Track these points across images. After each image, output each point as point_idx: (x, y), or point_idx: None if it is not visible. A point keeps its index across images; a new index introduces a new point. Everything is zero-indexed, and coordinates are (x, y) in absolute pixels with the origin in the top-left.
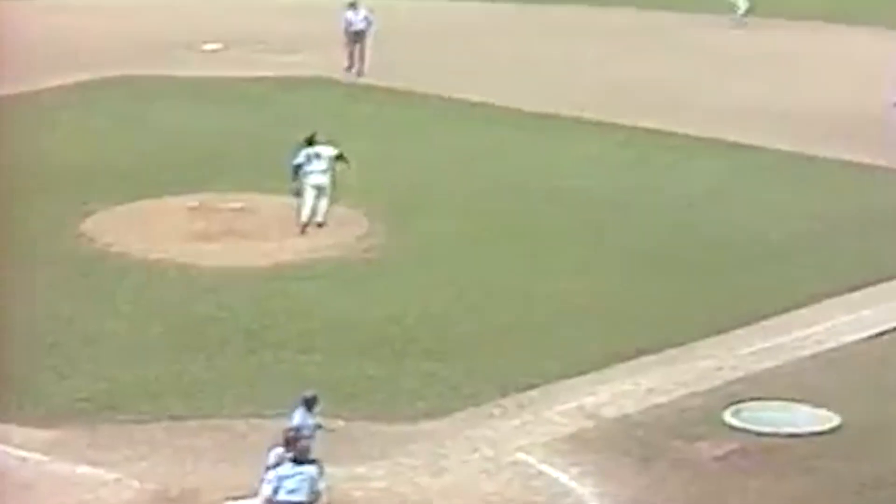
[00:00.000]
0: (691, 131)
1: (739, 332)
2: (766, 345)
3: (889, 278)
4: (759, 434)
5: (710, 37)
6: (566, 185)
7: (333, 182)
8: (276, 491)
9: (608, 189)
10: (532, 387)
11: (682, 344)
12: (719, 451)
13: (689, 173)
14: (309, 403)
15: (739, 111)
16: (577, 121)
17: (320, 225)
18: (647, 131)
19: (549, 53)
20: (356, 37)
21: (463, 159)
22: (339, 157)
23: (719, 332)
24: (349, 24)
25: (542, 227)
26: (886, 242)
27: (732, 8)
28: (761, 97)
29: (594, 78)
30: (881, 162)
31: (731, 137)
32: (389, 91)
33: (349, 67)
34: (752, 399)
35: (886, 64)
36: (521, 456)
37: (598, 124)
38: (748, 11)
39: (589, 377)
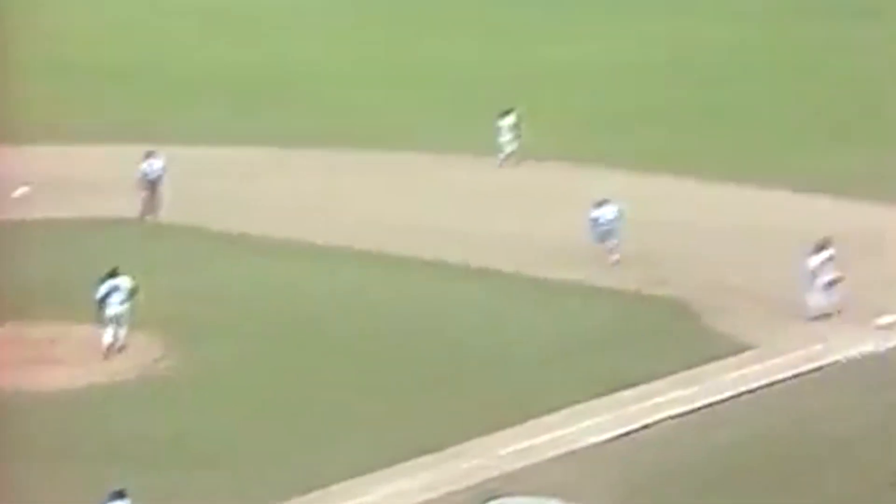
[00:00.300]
0: (455, 261)
1: (500, 434)
2: (523, 446)
3: (626, 387)
4: None
5: (477, 175)
6: (345, 309)
7: (132, 311)
8: None
9: (385, 312)
10: (315, 489)
11: (452, 445)
12: None
13: (455, 299)
14: (118, 495)
15: (499, 242)
16: (350, 251)
17: (121, 349)
18: (405, 259)
19: (323, 189)
20: (152, 184)
21: (250, 289)
22: (136, 290)
23: (483, 434)
24: (145, 173)
25: (322, 348)
26: (623, 355)
27: (499, 149)
28: (518, 229)
29: (365, 214)
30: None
31: (490, 266)
32: (184, 228)
33: (144, 214)
34: (509, 495)
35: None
36: None
37: (366, 254)
38: (512, 153)
39: (367, 478)
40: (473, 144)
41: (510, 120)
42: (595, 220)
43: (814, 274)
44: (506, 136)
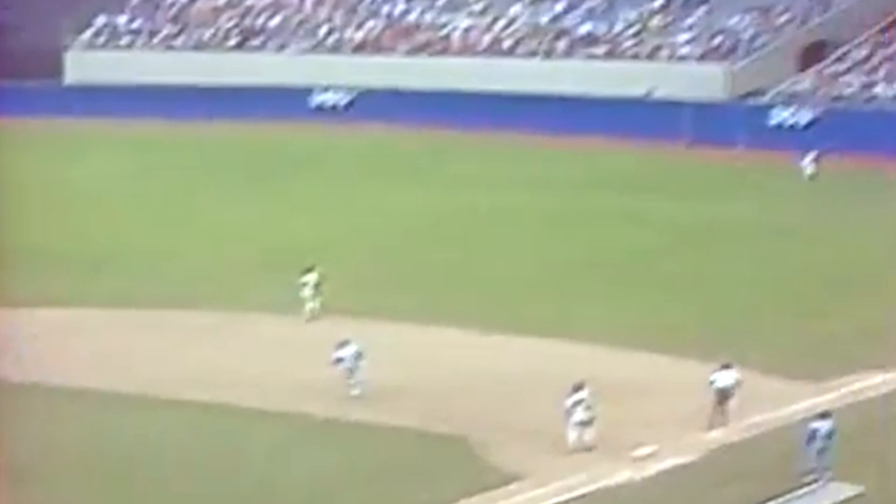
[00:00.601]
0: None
1: None
2: None
3: None
4: None
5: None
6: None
7: None
8: None
9: (181, 455)
10: None
11: None
12: None
13: (246, 439)
14: None
15: (291, 386)
16: (153, 399)
17: None
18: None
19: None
20: None
21: (61, 436)
22: None
23: None
24: None
25: (124, 492)
26: (400, 489)
27: (303, 305)
28: (308, 375)
29: (182, 367)
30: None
31: (283, 409)
32: None
33: None
34: None
35: None
36: None
37: (167, 402)
38: (314, 309)
39: None
40: (278, 302)
41: (312, 278)
42: (339, 359)
43: (572, 412)
44: (308, 293)
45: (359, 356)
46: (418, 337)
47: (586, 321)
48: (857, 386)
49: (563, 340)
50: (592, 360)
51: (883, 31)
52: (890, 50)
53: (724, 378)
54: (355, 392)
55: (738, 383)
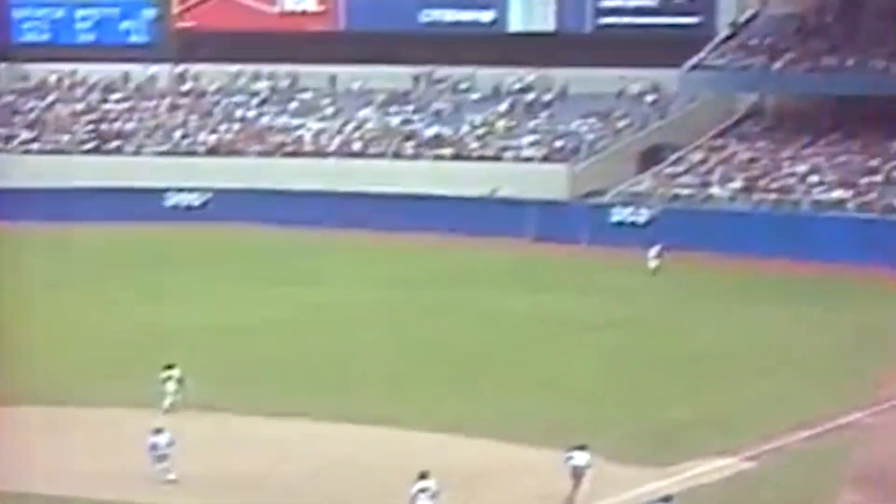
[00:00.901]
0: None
1: None
2: None
3: None
4: None
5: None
6: None
7: None
8: None
9: None
10: None
11: None
12: None
13: None
14: None
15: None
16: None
17: None
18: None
19: None
20: None
21: None
22: None
23: None
24: None
25: None
26: None
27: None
28: None
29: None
30: None
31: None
32: None
33: None
34: None
35: None
36: None
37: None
38: (174, 403)
39: None
40: (138, 397)
41: (172, 373)
42: (153, 445)
43: (415, 500)
44: (169, 388)
45: (171, 443)
46: (272, 428)
47: (435, 412)
48: (698, 471)
49: (413, 430)
50: (442, 449)
51: (716, 136)
52: (723, 154)
53: (580, 458)
54: (171, 476)
55: (589, 465)
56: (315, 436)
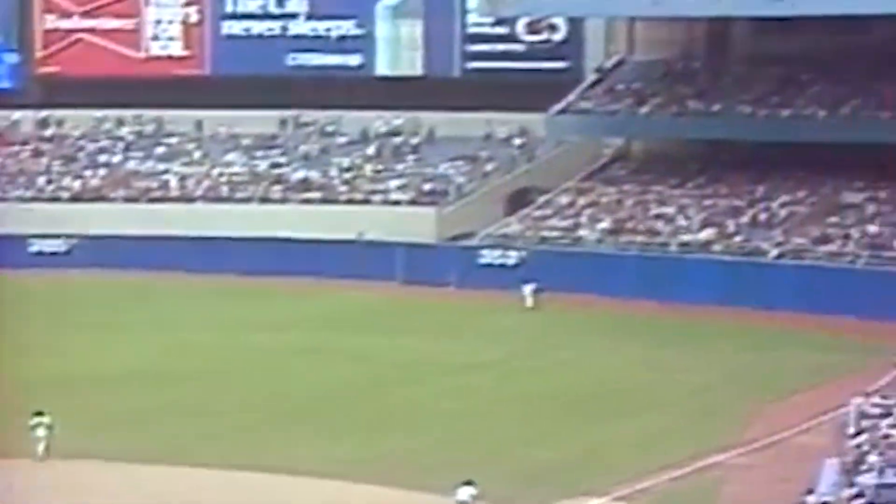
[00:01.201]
0: None
1: None
2: None
3: None
4: None
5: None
6: None
7: None
8: None
9: None
10: None
11: None
12: None
13: None
14: None
15: None
16: None
17: None
18: None
19: None
20: None
21: None
22: None
23: None
24: None
25: None
26: None
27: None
28: None
29: None
30: None
31: None
32: None
33: None
34: None
35: None
36: None
37: None
38: (46, 450)
39: None
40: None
41: (42, 420)
42: None
43: None
44: (40, 435)
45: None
46: (150, 476)
47: (309, 456)
48: None
49: (288, 475)
50: (316, 493)
51: (584, 179)
52: (591, 197)
53: (464, 493)
54: None
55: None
56: (192, 482)
